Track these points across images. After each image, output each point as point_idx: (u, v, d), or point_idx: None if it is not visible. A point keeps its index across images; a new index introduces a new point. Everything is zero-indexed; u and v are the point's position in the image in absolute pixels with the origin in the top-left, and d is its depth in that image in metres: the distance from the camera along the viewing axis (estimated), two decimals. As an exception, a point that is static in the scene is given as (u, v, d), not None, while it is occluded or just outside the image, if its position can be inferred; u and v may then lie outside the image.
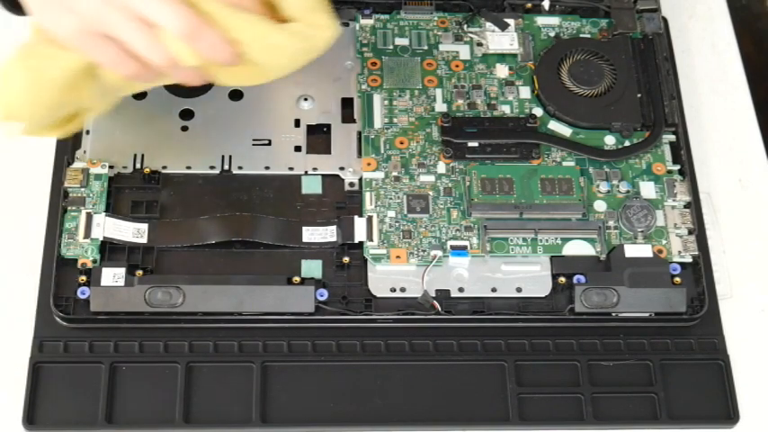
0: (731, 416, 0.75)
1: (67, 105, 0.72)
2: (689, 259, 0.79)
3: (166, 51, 0.68)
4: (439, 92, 0.85)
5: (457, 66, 0.86)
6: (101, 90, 0.72)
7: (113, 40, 0.68)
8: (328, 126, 0.83)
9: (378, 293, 0.77)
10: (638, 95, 0.85)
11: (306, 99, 0.84)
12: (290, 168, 0.81)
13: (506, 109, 0.84)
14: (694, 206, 0.81)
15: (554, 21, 0.89)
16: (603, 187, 0.81)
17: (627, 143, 0.83)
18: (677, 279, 0.78)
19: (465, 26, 0.88)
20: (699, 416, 0.75)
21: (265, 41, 0.70)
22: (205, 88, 0.83)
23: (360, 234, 0.78)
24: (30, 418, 0.72)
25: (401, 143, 0.82)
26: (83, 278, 0.75)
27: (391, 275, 0.77)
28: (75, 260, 0.76)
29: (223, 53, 0.69)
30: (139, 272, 0.76)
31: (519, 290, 0.77)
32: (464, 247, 0.78)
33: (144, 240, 0.77)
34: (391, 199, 0.80)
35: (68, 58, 0.69)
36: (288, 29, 0.70)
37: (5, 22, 0.76)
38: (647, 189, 0.81)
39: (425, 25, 0.88)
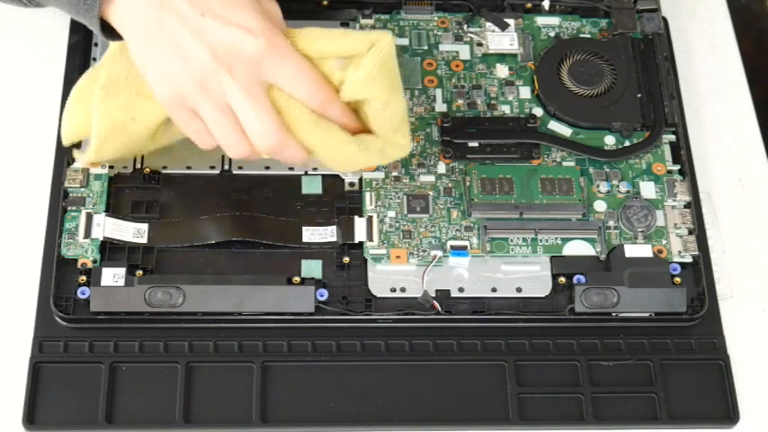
0: (731, 416, 0.75)
1: (144, 148, 0.76)
2: (689, 259, 0.79)
3: (245, 148, 0.71)
4: (439, 92, 0.85)
5: (457, 66, 0.86)
6: (173, 135, 0.76)
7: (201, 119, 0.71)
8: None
9: (378, 293, 0.77)
10: (638, 95, 0.85)
11: (306, 99, 0.84)
12: (290, 168, 0.81)
13: (506, 109, 0.84)
14: (694, 206, 0.81)
15: (554, 21, 0.89)
16: (603, 187, 0.81)
17: (627, 143, 0.83)
18: (677, 279, 0.78)
19: (465, 26, 0.88)
20: (699, 416, 0.75)
21: (339, 151, 0.73)
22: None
23: (360, 234, 0.78)
24: (30, 418, 0.72)
25: (401, 143, 0.82)
26: (83, 278, 0.75)
27: (391, 275, 0.77)
28: (76, 260, 0.76)
29: (298, 161, 0.73)
30: (139, 272, 0.76)
31: (519, 290, 0.77)
32: (464, 247, 0.78)
33: (144, 240, 0.77)
34: (391, 199, 0.80)
35: (158, 110, 0.73)
36: (363, 143, 0.73)
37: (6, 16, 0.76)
38: (647, 189, 0.81)
39: (425, 25, 0.88)
